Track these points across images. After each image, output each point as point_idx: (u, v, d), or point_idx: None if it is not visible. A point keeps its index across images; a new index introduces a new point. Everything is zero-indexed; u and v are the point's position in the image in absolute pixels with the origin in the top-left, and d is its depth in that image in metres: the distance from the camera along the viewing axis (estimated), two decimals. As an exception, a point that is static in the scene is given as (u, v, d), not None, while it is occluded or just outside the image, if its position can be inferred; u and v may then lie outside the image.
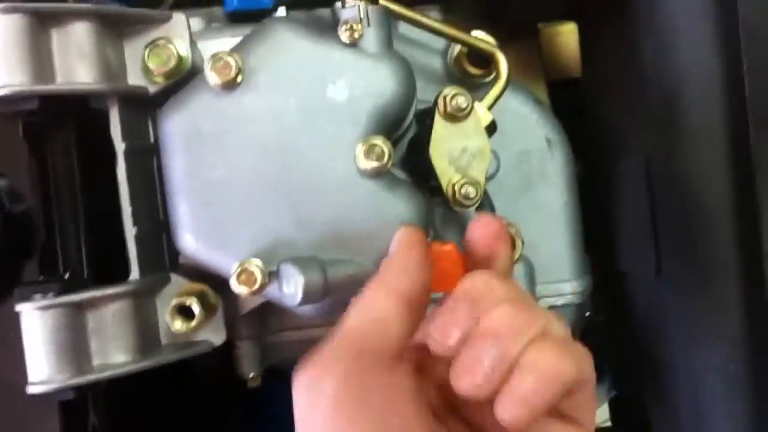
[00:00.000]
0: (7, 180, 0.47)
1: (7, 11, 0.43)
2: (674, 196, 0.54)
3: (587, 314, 0.62)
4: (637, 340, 0.61)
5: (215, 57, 0.45)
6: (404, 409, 0.40)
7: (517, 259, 0.57)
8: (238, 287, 0.45)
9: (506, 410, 0.37)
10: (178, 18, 0.49)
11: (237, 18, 0.65)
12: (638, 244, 0.58)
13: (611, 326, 0.66)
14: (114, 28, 0.47)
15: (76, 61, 0.45)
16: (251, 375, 0.56)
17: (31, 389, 0.44)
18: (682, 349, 0.55)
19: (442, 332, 0.39)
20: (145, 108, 0.50)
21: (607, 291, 0.64)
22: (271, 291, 0.46)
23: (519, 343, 0.38)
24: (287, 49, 0.47)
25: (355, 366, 0.40)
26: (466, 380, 0.38)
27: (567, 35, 0.73)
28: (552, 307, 0.58)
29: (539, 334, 0.38)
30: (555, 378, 0.37)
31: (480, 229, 0.44)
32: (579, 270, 0.59)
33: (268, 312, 0.55)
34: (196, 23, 0.62)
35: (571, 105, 0.67)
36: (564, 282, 0.58)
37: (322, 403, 0.39)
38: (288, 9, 0.54)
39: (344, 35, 0.48)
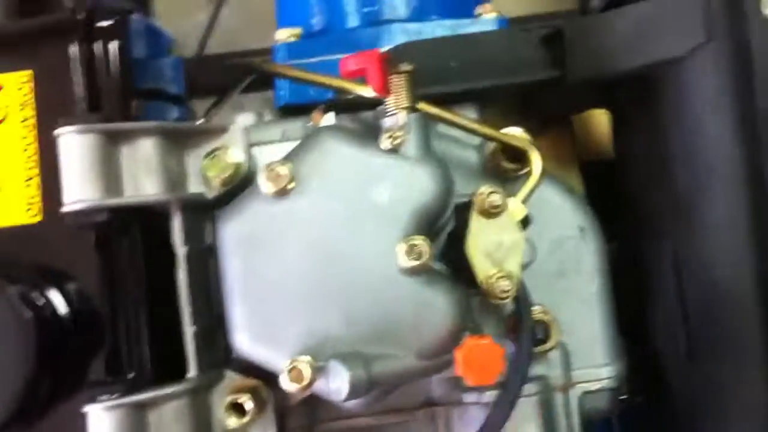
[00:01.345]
0: (77, 282, 0.51)
1: (81, 132, 0.49)
2: (702, 282, 0.56)
3: (622, 397, 0.64)
4: (672, 419, 0.63)
5: (269, 167, 0.50)
6: None
7: (554, 347, 0.60)
8: (288, 384, 0.48)
9: None
10: (235, 129, 0.54)
11: (286, 112, 0.71)
12: (670, 327, 0.61)
13: (648, 407, 0.68)
14: (176, 141, 0.52)
15: (143, 175, 0.50)
16: (301, 464, 0.59)
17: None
18: (714, 428, 0.58)
19: None
20: (203, 212, 0.54)
21: (643, 372, 0.66)
22: (319, 386, 0.49)
23: None
24: (334, 157, 0.52)
25: None
26: None
27: (599, 117, 0.76)
28: (587, 393, 0.61)
29: None
30: None
31: None
32: (614, 354, 0.61)
33: (317, 403, 0.59)
34: (248, 118, 0.67)
35: (605, 184, 0.71)
36: (600, 367, 0.61)
37: None
38: (336, 114, 0.58)
39: (386, 142, 0.52)
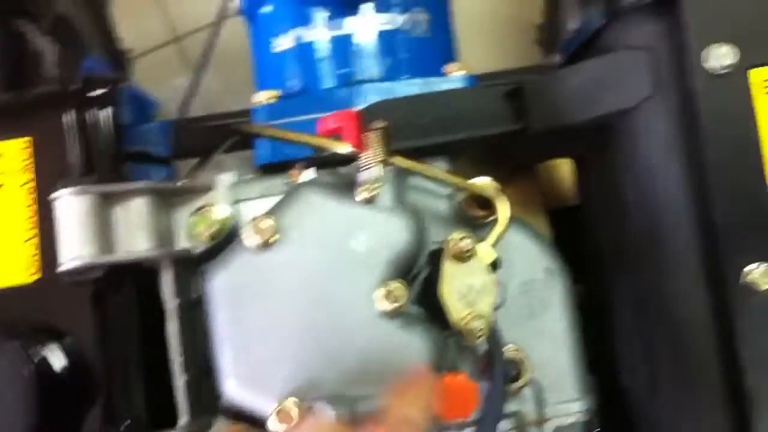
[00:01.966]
0: (72, 338, 0.54)
1: (77, 194, 0.52)
2: (660, 317, 0.61)
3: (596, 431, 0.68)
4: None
5: (254, 221, 0.54)
6: None
7: (526, 383, 0.63)
8: (276, 425, 0.52)
9: None
10: (220, 186, 0.58)
11: (266, 170, 0.75)
12: (633, 362, 0.65)
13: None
14: (165, 200, 0.56)
15: (135, 232, 0.54)
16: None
17: None
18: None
19: None
20: (191, 267, 0.58)
21: (611, 407, 0.70)
22: (306, 427, 0.53)
23: None
24: (314, 210, 0.56)
25: None
26: None
27: (564, 166, 0.81)
28: (560, 427, 0.64)
29: None
30: None
31: None
32: (584, 389, 0.65)
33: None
34: (230, 177, 0.71)
35: (570, 230, 0.75)
36: (571, 402, 0.65)
37: None
38: (317, 170, 0.62)
39: (362, 194, 0.56)
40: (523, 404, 0.64)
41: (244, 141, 0.76)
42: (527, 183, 0.77)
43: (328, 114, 0.57)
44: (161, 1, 1.41)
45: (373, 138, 0.57)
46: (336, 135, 0.61)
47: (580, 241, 0.74)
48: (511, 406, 0.63)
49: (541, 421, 0.64)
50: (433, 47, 0.85)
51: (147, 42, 1.36)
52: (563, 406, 0.64)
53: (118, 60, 1.05)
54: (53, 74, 0.59)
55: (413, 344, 0.55)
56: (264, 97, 0.81)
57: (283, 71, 0.84)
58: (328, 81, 0.82)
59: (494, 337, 0.59)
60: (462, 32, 0.93)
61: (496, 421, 0.58)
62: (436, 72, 0.83)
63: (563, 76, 0.65)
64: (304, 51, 0.83)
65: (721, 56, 0.58)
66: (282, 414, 0.52)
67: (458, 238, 0.57)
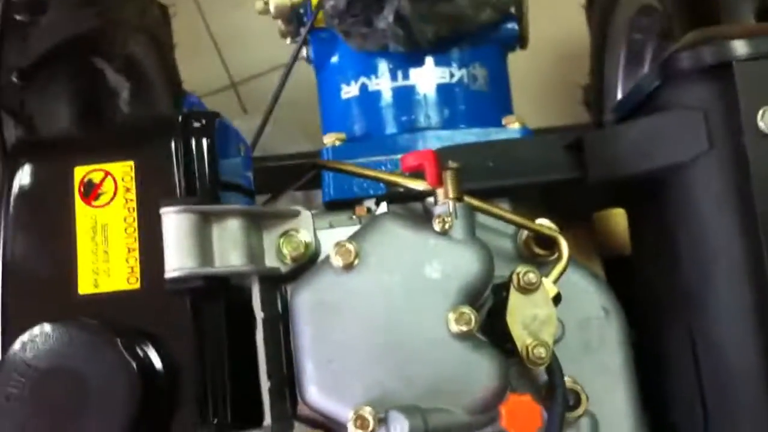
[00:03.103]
0: (168, 344, 0.62)
1: (181, 211, 0.61)
2: (715, 362, 0.67)
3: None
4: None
5: (339, 244, 0.62)
6: None
7: (583, 414, 0.70)
8: (354, 431, 0.59)
9: None
10: (305, 214, 0.66)
11: (331, 207, 0.84)
12: (687, 402, 0.71)
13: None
14: (256, 222, 0.65)
15: (230, 249, 0.62)
16: None
17: None
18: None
19: None
20: (276, 285, 0.66)
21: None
22: (381, 434, 0.60)
23: None
24: (393, 237, 0.64)
25: None
26: None
27: (619, 218, 0.89)
28: (614, 462, 0.71)
29: None
30: None
31: None
32: (638, 424, 0.72)
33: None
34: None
35: (625, 280, 0.82)
36: (626, 436, 0.71)
37: None
38: (388, 204, 0.71)
39: (437, 226, 0.64)
40: (579, 435, 0.71)
41: (312, 180, 0.85)
42: (583, 231, 0.84)
43: (410, 153, 0.65)
44: (221, 48, 1.54)
45: (449, 176, 0.66)
46: (412, 173, 0.70)
47: (633, 289, 0.81)
48: (568, 436, 0.70)
49: (596, 453, 0.71)
50: (490, 100, 0.95)
51: (206, 85, 1.47)
52: (618, 440, 0.71)
53: (179, 99, 1.16)
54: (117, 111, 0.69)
55: (482, 365, 0.62)
56: (331, 139, 0.91)
57: (348, 116, 0.94)
58: (390, 127, 0.92)
59: (555, 364, 0.66)
60: (512, 91, 1.02)
61: (555, 448, 0.65)
62: (494, 123, 0.92)
63: (621, 130, 0.73)
64: (369, 98, 0.93)
65: (771, 118, 0.65)
66: (360, 420, 0.59)
67: (524, 271, 0.65)
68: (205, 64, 1.52)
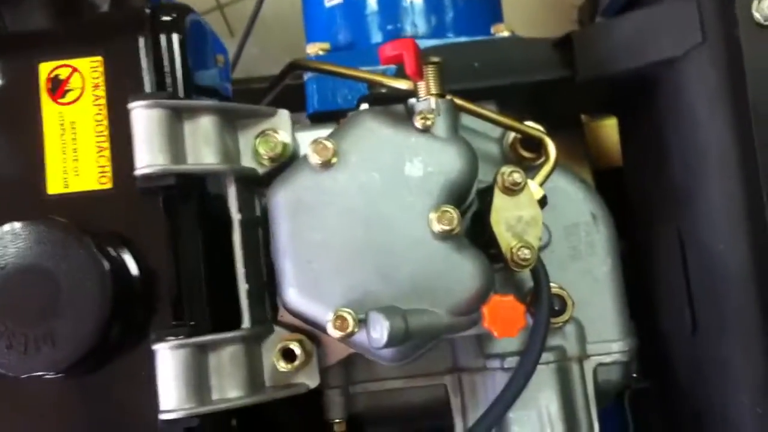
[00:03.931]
0: (140, 245, 0.60)
1: (150, 106, 0.59)
2: (704, 259, 0.66)
3: (633, 375, 0.73)
4: (679, 392, 0.72)
5: (316, 141, 0.60)
6: None
7: (568, 320, 0.69)
8: (333, 331, 0.57)
9: None
10: (282, 113, 0.64)
11: (316, 119, 0.82)
12: (675, 305, 0.70)
13: (655, 386, 0.77)
14: (231, 121, 0.63)
15: (203, 147, 0.60)
16: (337, 420, 0.68)
17: (163, 416, 0.56)
18: (718, 397, 0.67)
19: None
20: (253, 187, 0.64)
21: (650, 353, 0.75)
22: (359, 337, 0.58)
23: None
24: (373, 135, 0.62)
25: None
26: None
27: (610, 128, 0.88)
28: (601, 365, 0.70)
29: None
30: None
31: None
32: (625, 331, 0.71)
33: (352, 365, 0.68)
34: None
35: (615, 191, 0.81)
36: (612, 341, 0.70)
37: None
38: (370, 105, 0.69)
39: (418, 123, 0.62)
40: (565, 340, 0.70)
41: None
42: (572, 138, 0.83)
43: (388, 42, 0.62)
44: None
45: (430, 71, 0.63)
46: (392, 70, 0.67)
47: (623, 200, 0.80)
48: (553, 341, 0.69)
49: (582, 357, 0.70)
50: (479, 8, 0.92)
51: (193, 7, 1.43)
52: (604, 345, 0.70)
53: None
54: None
55: (465, 266, 0.60)
56: (314, 48, 0.88)
57: (333, 25, 0.91)
58: (376, 36, 0.89)
59: (540, 267, 0.65)
60: (504, 9, 0.99)
61: (540, 351, 0.64)
62: (483, 32, 0.90)
63: (612, 25, 0.71)
64: (354, 6, 0.90)
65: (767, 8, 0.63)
66: (339, 321, 0.57)
67: (509, 171, 0.63)
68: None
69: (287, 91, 0.82)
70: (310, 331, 0.63)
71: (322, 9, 0.92)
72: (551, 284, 0.68)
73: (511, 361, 0.67)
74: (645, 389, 0.77)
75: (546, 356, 0.67)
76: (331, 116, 0.79)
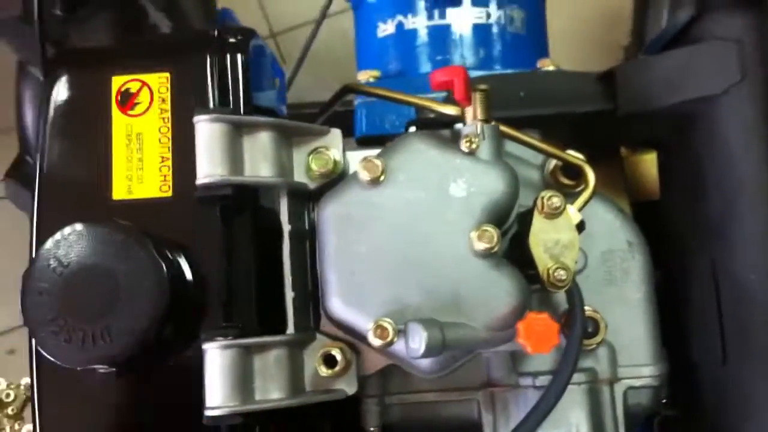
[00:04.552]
0: (196, 252, 0.64)
1: (214, 120, 0.63)
2: (736, 290, 0.68)
3: (663, 401, 0.75)
4: (706, 422, 0.74)
5: (366, 159, 0.64)
6: None
7: (601, 342, 0.71)
8: (374, 340, 0.60)
9: None
10: (335, 132, 0.68)
11: (363, 143, 0.86)
12: (707, 336, 0.72)
13: (683, 415, 0.78)
14: (287, 138, 0.67)
15: (260, 160, 0.64)
16: (372, 428, 0.71)
17: (208, 413, 0.60)
18: (743, 426, 0.68)
19: None
20: (304, 201, 0.68)
21: (680, 382, 0.77)
22: (398, 347, 0.61)
23: None
24: (420, 155, 0.65)
25: None
26: None
27: (648, 162, 0.90)
28: (631, 388, 0.72)
29: None
30: None
31: None
32: (656, 356, 0.73)
33: (389, 376, 0.71)
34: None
35: (651, 223, 0.83)
36: (643, 366, 0.72)
37: None
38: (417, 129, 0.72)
39: (464, 146, 0.65)
40: (597, 362, 0.72)
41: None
42: (611, 170, 0.85)
43: (439, 69, 0.66)
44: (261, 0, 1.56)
45: (478, 97, 0.67)
46: (442, 97, 0.71)
47: (659, 232, 0.82)
48: (585, 363, 0.71)
49: (613, 380, 0.72)
50: (526, 42, 0.96)
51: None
52: (635, 369, 0.72)
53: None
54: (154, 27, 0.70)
55: (502, 283, 0.63)
56: (365, 76, 0.92)
57: (384, 54, 0.95)
58: (425, 66, 0.93)
59: (575, 289, 0.67)
60: (551, 47, 1.03)
61: (572, 371, 0.66)
62: (529, 66, 0.93)
63: (654, 61, 0.74)
64: (405, 37, 0.94)
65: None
66: (380, 330, 0.60)
67: (548, 196, 0.66)
68: (246, 13, 1.54)
69: (336, 116, 0.86)
70: (350, 341, 0.66)
71: (375, 38, 0.96)
72: (585, 307, 0.70)
73: (543, 380, 0.69)
74: (673, 417, 0.79)
75: (577, 377, 0.69)
76: (378, 141, 0.83)
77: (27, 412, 1.23)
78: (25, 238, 0.68)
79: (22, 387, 1.25)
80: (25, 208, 0.89)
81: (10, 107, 1.00)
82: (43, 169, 0.66)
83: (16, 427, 1.21)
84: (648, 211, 0.86)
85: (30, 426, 1.17)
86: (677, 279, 0.78)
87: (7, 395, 1.24)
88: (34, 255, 0.62)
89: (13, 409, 1.23)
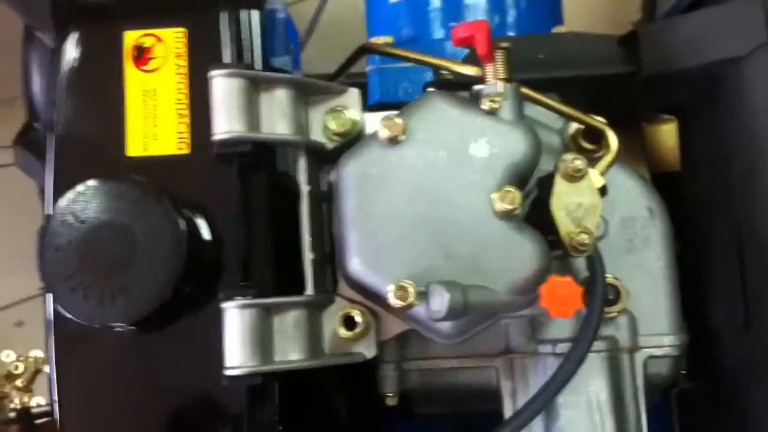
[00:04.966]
0: (213, 210, 0.63)
1: (230, 75, 0.62)
2: (759, 250, 0.67)
3: (682, 371, 0.74)
4: (728, 390, 0.73)
5: (387, 117, 0.62)
6: None
7: (621, 310, 0.71)
8: (394, 301, 0.59)
9: None
10: (353, 91, 0.67)
11: (376, 110, 0.84)
12: (729, 301, 0.71)
13: (703, 387, 0.78)
14: (304, 96, 0.65)
15: (278, 118, 0.63)
16: (390, 394, 0.70)
17: (227, 372, 0.59)
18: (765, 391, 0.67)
19: None
20: (321, 162, 0.67)
21: (699, 354, 0.76)
22: (418, 310, 0.60)
23: None
24: (441, 114, 0.64)
25: None
26: None
27: (667, 133, 0.89)
28: (651, 357, 0.71)
29: None
30: None
31: None
32: (677, 325, 0.72)
33: (407, 341, 0.70)
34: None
35: (670, 196, 0.82)
36: (663, 335, 0.71)
37: None
38: (436, 90, 0.71)
39: (486, 105, 0.64)
40: (617, 331, 0.71)
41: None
42: (630, 138, 0.84)
43: (461, 23, 0.64)
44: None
45: (499, 55, 0.65)
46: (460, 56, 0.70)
47: (680, 201, 0.81)
48: (605, 330, 0.70)
49: (633, 349, 0.71)
50: (541, 9, 0.94)
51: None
52: (656, 338, 0.71)
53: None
54: None
55: (524, 246, 0.62)
56: (378, 42, 0.91)
57: (396, 21, 0.94)
58: (438, 32, 0.92)
59: (597, 255, 0.66)
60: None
61: (592, 339, 0.65)
62: (545, 31, 0.92)
63: (678, 22, 0.73)
64: (418, 2, 0.93)
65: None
66: (400, 291, 0.59)
67: (571, 159, 0.65)
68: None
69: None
70: (369, 305, 0.64)
71: (386, 4, 0.95)
72: (606, 274, 0.69)
73: (563, 347, 0.68)
74: (692, 390, 0.78)
75: (598, 345, 0.68)
76: (392, 108, 0.81)
77: (36, 385, 1.22)
78: (32, 209, 0.67)
79: (31, 359, 1.23)
80: (33, 174, 0.87)
81: (11, 79, 0.98)
82: (57, 127, 0.65)
83: (26, 399, 1.20)
84: (667, 183, 0.85)
85: (40, 398, 1.16)
86: (696, 249, 0.77)
87: (16, 367, 1.22)
88: (50, 212, 0.61)
89: (22, 381, 1.21)
